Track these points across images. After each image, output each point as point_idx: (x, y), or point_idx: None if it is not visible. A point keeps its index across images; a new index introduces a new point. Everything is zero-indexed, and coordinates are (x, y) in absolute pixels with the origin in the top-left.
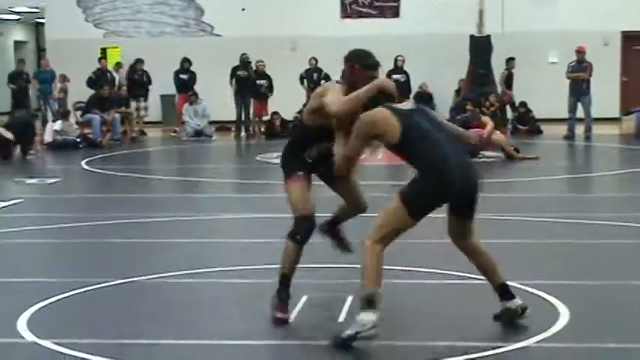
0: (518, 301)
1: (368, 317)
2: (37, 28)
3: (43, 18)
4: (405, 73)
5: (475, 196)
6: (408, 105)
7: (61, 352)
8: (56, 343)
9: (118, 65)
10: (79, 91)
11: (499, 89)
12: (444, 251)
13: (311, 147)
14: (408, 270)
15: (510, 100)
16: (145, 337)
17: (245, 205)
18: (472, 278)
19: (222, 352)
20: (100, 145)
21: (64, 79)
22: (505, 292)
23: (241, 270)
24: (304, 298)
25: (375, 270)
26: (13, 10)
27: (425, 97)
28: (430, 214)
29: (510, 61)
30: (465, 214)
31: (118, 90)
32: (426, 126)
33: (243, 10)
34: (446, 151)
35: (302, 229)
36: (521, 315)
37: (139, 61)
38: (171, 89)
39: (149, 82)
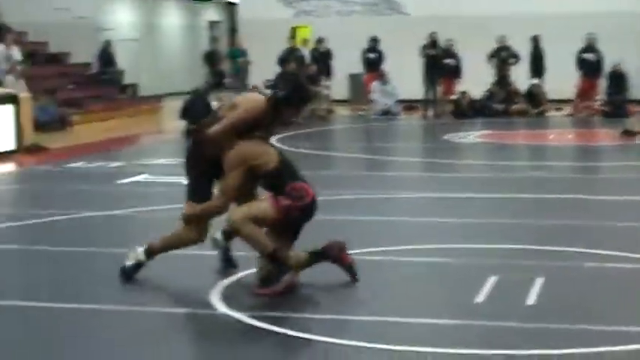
0: None
1: None
2: (230, 8)
3: None
4: (597, 51)
5: None
6: None
7: (252, 325)
8: (249, 316)
9: (305, 42)
10: (269, 70)
11: None
12: None
13: None
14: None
15: None
16: (346, 314)
17: (428, 184)
18: None
19: (411, 330)
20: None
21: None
22: None
23: (436, 249)
24: (493, 279)
25: None
26: None
27: (619, 77)
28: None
29: None
30: None
31: (306, 69)
32: None
33: None
34: None
35: None
36: None
37: (320, 40)
38: (360, 68)
39: (330, 59)
